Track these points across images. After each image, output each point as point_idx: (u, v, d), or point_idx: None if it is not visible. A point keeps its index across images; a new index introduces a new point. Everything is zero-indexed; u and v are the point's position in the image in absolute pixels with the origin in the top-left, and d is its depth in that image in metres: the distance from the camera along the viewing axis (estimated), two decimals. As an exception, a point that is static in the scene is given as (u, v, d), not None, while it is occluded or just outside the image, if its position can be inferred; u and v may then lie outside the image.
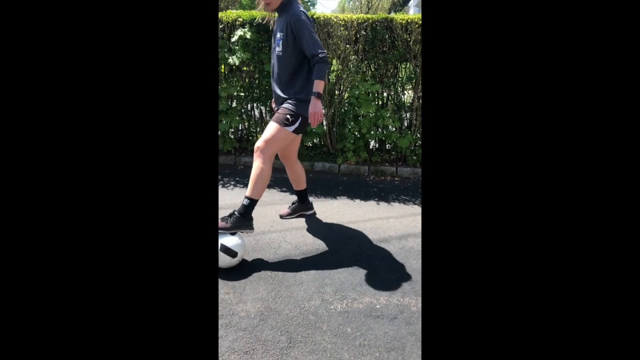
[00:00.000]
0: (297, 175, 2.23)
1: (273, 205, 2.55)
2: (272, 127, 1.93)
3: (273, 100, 2.10)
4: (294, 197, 2.42)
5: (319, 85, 1.84)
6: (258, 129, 3.55)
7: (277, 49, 1.92)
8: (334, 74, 3.15)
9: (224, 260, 1.75)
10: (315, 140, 3.46)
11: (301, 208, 2.36)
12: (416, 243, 2.13)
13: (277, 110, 1.99)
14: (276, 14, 1.97)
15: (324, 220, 2.36)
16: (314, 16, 3.01)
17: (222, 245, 1.74)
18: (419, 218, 2.45)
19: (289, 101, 1.94)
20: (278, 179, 3.06)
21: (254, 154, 1.91)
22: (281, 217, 2.33)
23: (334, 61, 3.17)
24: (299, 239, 2.11)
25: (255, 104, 3.44)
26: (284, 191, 2.82)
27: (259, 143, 1.90)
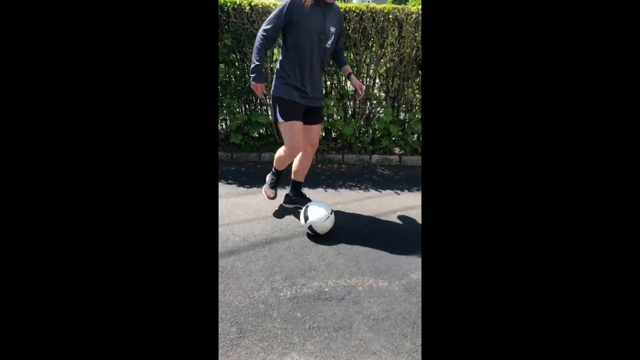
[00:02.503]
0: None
1: (220, 199, 2.50)
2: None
3: (301, 91, 1.97)
4: (240, 189, 2.41)
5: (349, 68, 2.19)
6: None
7: (329, 42, 1.96)
8: (277, 62, 3.11)
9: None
10: (261, 131, 3.42)
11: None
12: (362, 226, 2.21)
13: (321, 98, 2.09)
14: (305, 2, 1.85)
15: (273, 210, 2.36)
16: (252, 4, 2.95)
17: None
18: (365, 202, 2.54)
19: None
20: (224, 172, 2.99)
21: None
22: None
23: (276, 50, 3.13)
24: (247, 231, 2.10)
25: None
26: (230, 183, 2.77)
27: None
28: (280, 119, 1.98)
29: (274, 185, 2.34)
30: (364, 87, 2.12)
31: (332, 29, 1.95)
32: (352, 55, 3.20)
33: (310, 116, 2.06)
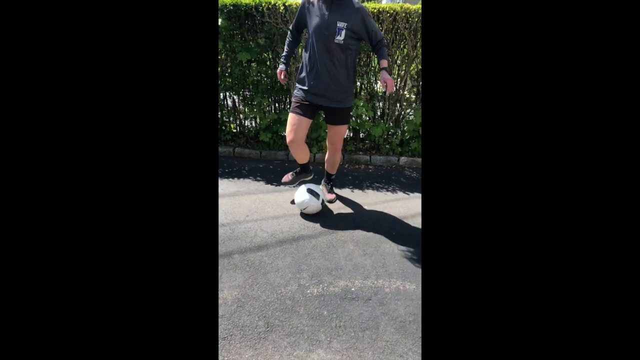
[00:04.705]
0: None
1: (248, 195, 2.55)
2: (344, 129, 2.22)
3: (306, 88, 2.08)
4: (269, 187, 2.48)
5: (386, 63, 2.10)
6: (231, 119, 3.50)
7: (339, 37, 1.97)
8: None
9: (313, 205, 2.25)
10: (289, 130, 3.46)
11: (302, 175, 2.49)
12: (389, 228, 2.19)
13: (341, 100, 2.10)
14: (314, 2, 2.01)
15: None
16: (287, 4, 2.98)
17: (308, 188, 2.25)
18: (392, 204, 2.52)
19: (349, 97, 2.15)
20: (252, 169, 3.04)
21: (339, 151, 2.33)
22: (284, 183, 2.44)
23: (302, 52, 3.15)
24: (275, 227, 2.13)
25: (227, 93, 3.39)
26: (258, 180, 2.82)
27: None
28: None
29: (295, 175, 2.45)
30: (394, 86, 2.14)
31: (341, 24, 1.94)
32: (383, 56, 3.17)
33: (328, 116, 2.20)
